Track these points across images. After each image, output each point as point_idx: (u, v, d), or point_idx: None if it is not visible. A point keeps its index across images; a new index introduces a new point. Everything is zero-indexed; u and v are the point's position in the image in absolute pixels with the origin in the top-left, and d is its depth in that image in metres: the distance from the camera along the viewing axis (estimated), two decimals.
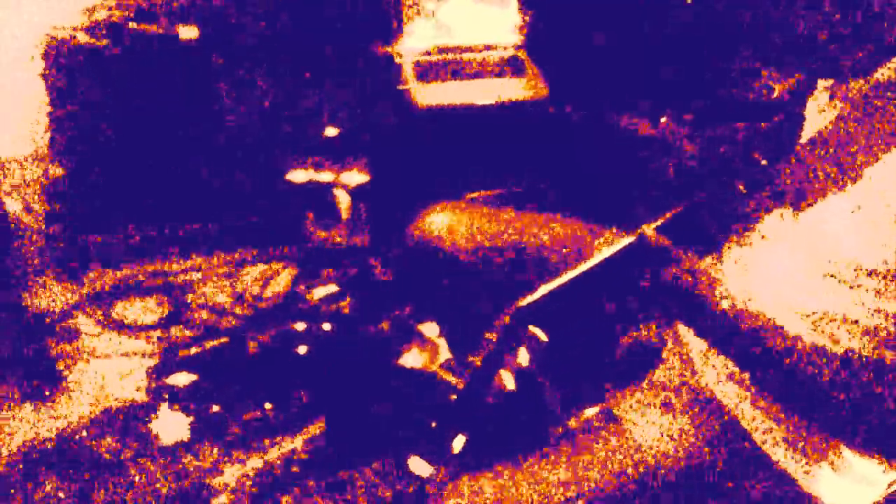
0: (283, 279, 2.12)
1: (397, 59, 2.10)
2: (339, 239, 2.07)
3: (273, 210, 2.28)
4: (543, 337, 0.83)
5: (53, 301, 2.01)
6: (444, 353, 1.29)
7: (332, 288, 1.60)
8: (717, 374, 0.91)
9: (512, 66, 2.16)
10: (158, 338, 1.87)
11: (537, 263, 1.15)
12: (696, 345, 0.95)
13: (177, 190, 2.21)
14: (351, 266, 1.86)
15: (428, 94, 2.02)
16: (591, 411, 1.04)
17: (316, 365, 1.44)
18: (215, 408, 1.40)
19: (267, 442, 1.30)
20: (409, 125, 2.03)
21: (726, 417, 0.89)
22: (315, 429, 1.31)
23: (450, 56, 2.13)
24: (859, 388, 0.75)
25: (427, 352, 1.31)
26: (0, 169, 2.18)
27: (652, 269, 0.83)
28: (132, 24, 2.10)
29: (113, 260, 2.18)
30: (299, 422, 1.33)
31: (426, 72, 2.08)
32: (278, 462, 1.27)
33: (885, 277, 0.77)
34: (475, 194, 2.03)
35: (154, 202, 2.20)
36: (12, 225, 2.01)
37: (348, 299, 1.57)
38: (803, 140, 0.89)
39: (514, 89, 2.11)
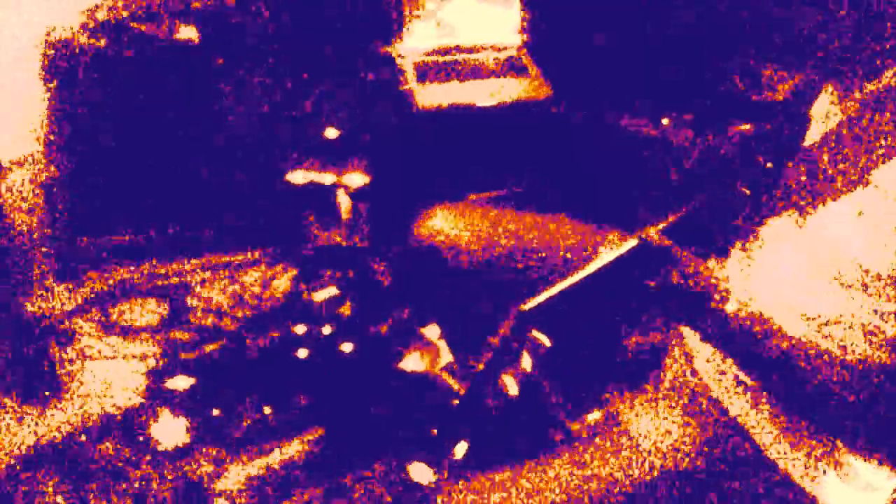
0: (283, 281, 2.12)
1: (398, 60, 2.09)
2: (339, 240, 2.07)
3: (273, 211, 2.28)
4: (546, 342, 0.83)
5: (52, 303, 2.01)
6: (446, 356, 1.29)
7: (333, 290, 1.59)
8: (720, 378, 0.91)
9: (513, 67, 2.15)
10: (158, 340, 1.86)
11: (538, 265, 1.15)
12: (699, 348, 0.94)
13: (177, 191, 2.20)
14: (351, 268, 1.85)
15: (429, 95, 2.02)
16: (593, 414, 1.04)
17: (316, 368, 1.44)
18: (215, 411, 1.40)
19: (267, 445, 1.30)
20: (409, 126, 2.03)
21: (729, 421, 0.89)
22: (315, 432, 1.31)
23: (451, 56, 2.13)
24: (864, 391, 0.75)
25: (428, 354, 1.30)
26: None
27: (655, 271, 0.83)
28: (133, 25, 2.09)
29: (112, 262, 2.17)
30: (300, 425, 1.33)
31: (427, 72, 2.08)
32: (278, 466, 1.27)
33: (890, 281, 0.77)
34: (476, 195, 2.02)
35: (154, 203, 2.20)
36: (11, 226, 2.01)
37: (349, 301, 1.57)
38: (808, 142, 0.89)
39: (516, 90, 2.10)
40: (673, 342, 1.00)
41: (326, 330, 1.50)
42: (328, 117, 2.16)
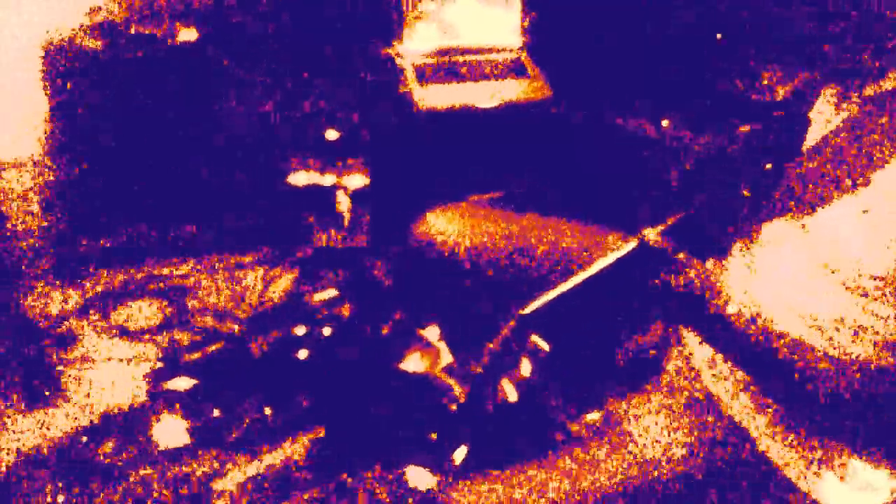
0: (283, 282, 2.12)
1: (398, 61, 2.09)
2: (340, 241, 2.07)
3: (274, 213, 2.28)
4: (545, 346, 0.83)
5: (53, 305, 2.01)
6: (446, 357, 1.29)
7: (333, 291, 1.59)
8: (720, 379, 0.91)
9: (514, 68, 2.15)
10: (158, 341, 1.86)
11: (539, 265, 1.15)
12: (699, 349, 0.95)
13: (177, 192, 2.21)
14: (352, 269, 1.85)
15: (429, 96, 2.02)
16: (593, 415, 1.04)
17: (317, 369, 1.44)
18: (216, 412, 1.40)
19: (268, 446, 1.30)
20: (410, 127, 2.03)
21: (729, 421, 0.89)
22: (316, 433, 1.31)
23: (451, 57, 2.13)
24: (864, 392, 0.75)
25: (429, 356, 1.30)
26: None
27: (655, 273, 0.83)
28: (133, 26, 2.09)
29: (113, 263, 2.18)
30: (300, 426, 1.33)
31: (427, 73, 2.08)
32: (279, 466, 1.27)
33: (890, 282, 0.77)
34: (476, 197, 2.02)
35: (154, 204, 2.20)
36: (12, 227, 2.01)
37: (348, 302, 1.57)
38: (809, 143, 0.89)
39: (516, 91, 2.10)
40: (673, 342, 1.00)
41: (327, 331, 1.50)
42: (328, 118, 2.16)
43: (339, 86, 2.19)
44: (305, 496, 1.20)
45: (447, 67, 2.11)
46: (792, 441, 0.85)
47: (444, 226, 1.26)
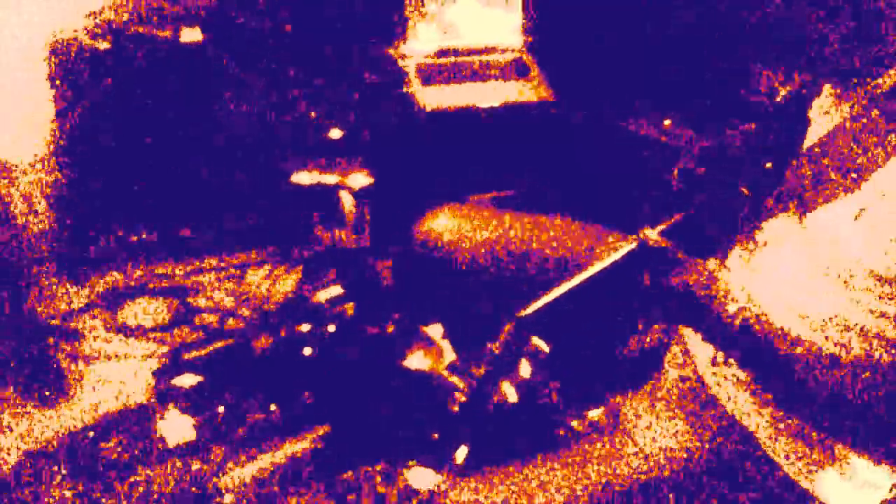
0: (288, 281, 2.12)
1: (401, 61, 2.10)
2: (343, 241, 2.07)
3: (278, 212, 2.28)
4: (545, 348, 0.83)
5: (58, 303, 2.01)
6: (449, 355, 1.29)
7: (337, 290, 1.60)
8: (721, 378, 0.92)
9: (516, 69, 2.15)
10: (163, 339, 1.87)
11: (540, 265, 1.16)
12: (700, 348, 0.95)
13: (182, 192, 2.21)
14: (355, 268, 1.86)
15: (431, 96, 2.02)
16: (594, 413, 1.04)
17: (321, 367, 1.44)
18: (221, 409, 1.40)
19: (272, 443, 1.30)
20: (412, 127, 2.03)
21: (729, 420, 0.89)
22: (320, 430, 1.31)
23: (453, 58, 2.13)
24: (864, 391, 0.75)
25: (432, 354, 1.31)
26: (3, 170, 2.18)
27: (656, 273, 0.83)
28: (134, 26, 2.10)
29: (118, 262, 2.18)
30: (305, 423, 1.33)
31: (430, 73, 2.08)
32: (284, 463, 1.27)
33: (891, 281, 0.77)
34: (478, 197, 2.03)
35: (158, 204, 2.20)
36: (16, 227, 2.01)
37: (352, 301, 1.57)
38: (809, 143, 0.89)
39: (518, 92, 2.11)
40: (673, 342, 1.01)
41: (331, 329, 1.50)
42: (331, 118, 2.16)
43: (341, 86, 2.19)
44: (311, 492, 1.21)
45: (449, 68, 2.11)
46: (792, 439, 0.86)
47: (447, 225, 1.26)
